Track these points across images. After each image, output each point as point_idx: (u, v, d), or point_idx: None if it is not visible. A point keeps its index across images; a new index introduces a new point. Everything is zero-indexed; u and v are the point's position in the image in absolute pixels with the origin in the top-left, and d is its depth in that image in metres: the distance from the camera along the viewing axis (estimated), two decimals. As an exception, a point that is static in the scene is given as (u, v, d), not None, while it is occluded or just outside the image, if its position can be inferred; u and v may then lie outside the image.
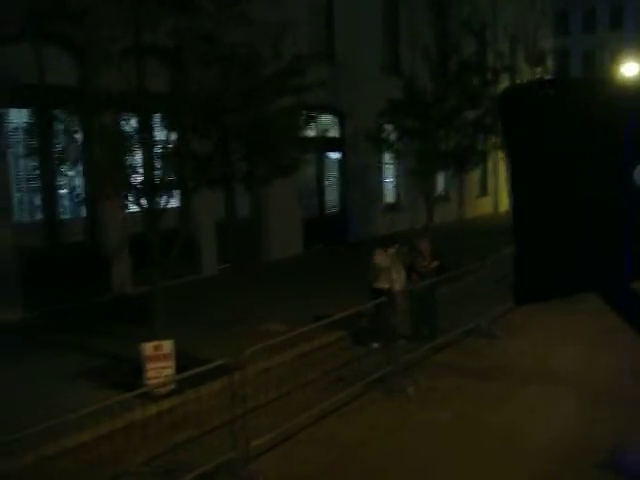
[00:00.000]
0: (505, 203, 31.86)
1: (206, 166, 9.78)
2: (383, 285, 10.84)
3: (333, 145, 21.45)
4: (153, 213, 9.70)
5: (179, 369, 8.80)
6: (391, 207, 24.08)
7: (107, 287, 14.57)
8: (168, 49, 9.98)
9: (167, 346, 9.10)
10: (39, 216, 13.85)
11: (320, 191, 21.27)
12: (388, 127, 16.78)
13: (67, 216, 14.39)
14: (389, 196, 24.49)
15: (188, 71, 9.79)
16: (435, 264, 11.67)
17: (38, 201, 13.76)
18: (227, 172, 9.86)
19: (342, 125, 21.35)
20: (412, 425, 8.21)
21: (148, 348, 9.03)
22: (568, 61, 55.23)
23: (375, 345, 10.70)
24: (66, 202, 14.21)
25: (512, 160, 1.66)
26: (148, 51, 9.87)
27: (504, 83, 27.75)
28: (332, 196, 21.88)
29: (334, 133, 21.47)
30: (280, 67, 9.87)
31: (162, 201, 9.68)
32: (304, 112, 10.17)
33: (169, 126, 9.66)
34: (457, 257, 16.64)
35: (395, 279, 10.83)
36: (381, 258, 10.95)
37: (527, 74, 24.23)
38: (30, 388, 9.23)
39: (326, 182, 21.48)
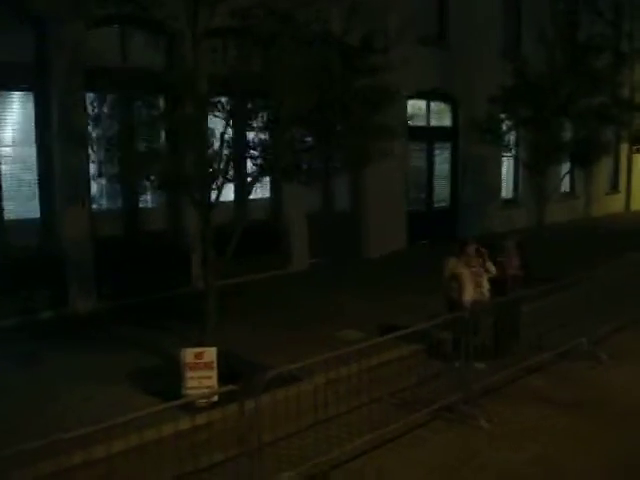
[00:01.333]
0: (639, 201, 29.30)
1: (267, 157, 8.84)
2: (452, 295, 9.56)
3: (445, 134, 20.04)
4: (204, 206, 8.85)
5: (232, 377, 7.93)
6: (508, 202, 22.35)
7: (187, 280, 13.91)
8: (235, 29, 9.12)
9: (209, 354, 8.21)
10: (117, 205, 13.35)
11: (429, 184, 19.89)
12: (500, 116, 15.21)
13: (147, 205, 13.85)
14: (506, 191, 22.74)
15: (254, 51, 8.90)
16: (520, 273, 10.32)
17: (117, 189, 13.24)
18: (289, 163, 8.86)
19: (455, 113, 19.89)
20: (476, 466, 6.95)
21: (188, 355, 8.18)
22: None
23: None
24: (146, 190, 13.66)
25: None
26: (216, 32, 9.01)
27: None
28: (442, 189, 20.45)
29: (446, 121, 20.08)
30: (347, 46, 8.76)
31: (214, 194, 8.87)
32: (381, 95, 8.94)
33: (226, 112, 8.78)
34: (568, 262, 15.06)
35: (467, 289, 9.49)
36: (450, 264, 9.64)
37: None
38: (70, 388, 8.66)
39: (436, 174, 20.06)
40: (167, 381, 8.57)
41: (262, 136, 9.00)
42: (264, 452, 6.27)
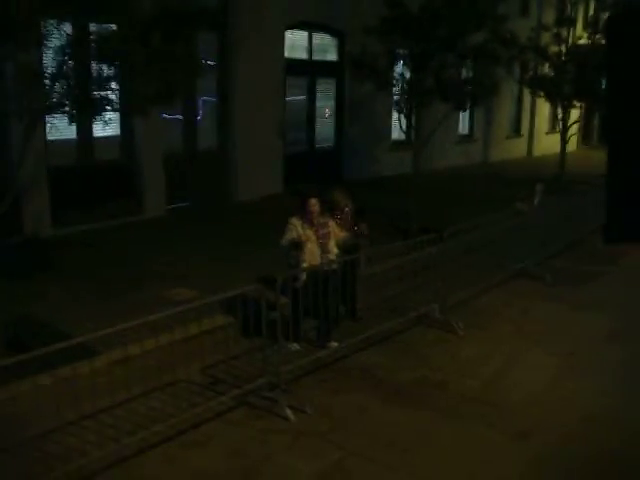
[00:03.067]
0: (541, 147, 28.50)
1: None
2: (292, 262, 8.07)
3: (329, 70, 18.47)
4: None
5: (23, 349, 6.47)
6: (399, 144, 21.01)
7: (19, 228, 12.17)
8: None
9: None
10: None
11: (310, 122, 18.30)
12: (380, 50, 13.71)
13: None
14: (399, 132, 21.32)
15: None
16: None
17: None
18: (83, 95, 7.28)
19: (341, 47, 18.27)
20: (260, 478, 5.70)
21: None
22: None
23: (295, 346, 8.02)
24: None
25: (611, 91, 2.14)
26: None
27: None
28: (326, 129, 18.93)
29: (331, 56, 18.49)
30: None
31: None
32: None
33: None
34: (446, 213, 14.03)
35: (310, 255, 8.06)
36: (292, 226, 8.19)
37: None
38: None
39: (319, 112, 18.52)
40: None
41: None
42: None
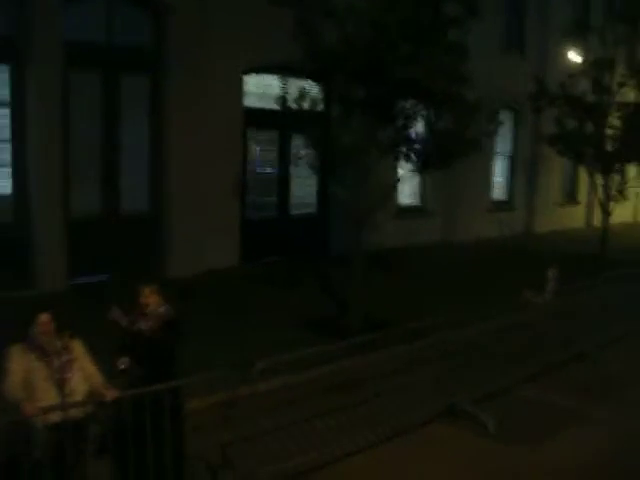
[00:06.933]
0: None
1: None
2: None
3: (310, 120, 15.62)
4: None
5: None
6: (408, 210, 17.92)
7: None
8: None
9: None
10: None
11: (283, 183, 15.49)
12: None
13: None
14: (408, 195, 18.25)
15: None
16: None
17: None
18: None
19: (328, 94, 15.42)
20: None
21: None
22: None
23: None
24: None
25: None
26: None
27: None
28: (305, 191, 15.96)
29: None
30: None
31: None
32: None
33: None
34: (414, 306, 11.11)
35: (39, 397, 5.20)
36: (13, 359, 5.38)
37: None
38: None
39: (295, 172, 15.48)
40: None
41: None
42: None
